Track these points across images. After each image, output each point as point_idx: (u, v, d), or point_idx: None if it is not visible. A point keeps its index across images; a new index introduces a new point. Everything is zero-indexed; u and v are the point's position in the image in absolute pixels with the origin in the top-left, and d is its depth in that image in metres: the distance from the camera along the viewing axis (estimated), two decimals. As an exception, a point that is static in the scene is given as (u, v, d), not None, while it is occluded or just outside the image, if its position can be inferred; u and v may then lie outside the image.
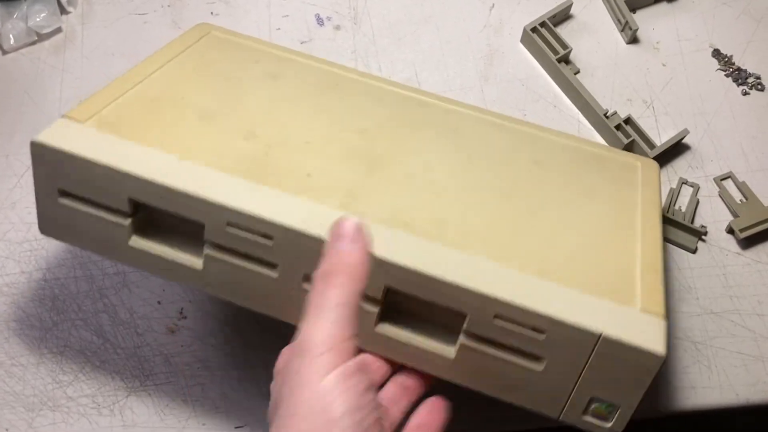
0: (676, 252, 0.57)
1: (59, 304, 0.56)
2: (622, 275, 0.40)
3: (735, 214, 0.57)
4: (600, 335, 0.36)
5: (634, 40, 0.64)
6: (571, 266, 0.40)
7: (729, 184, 0.59)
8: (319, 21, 0.65)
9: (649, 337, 0.36)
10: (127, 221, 0.42)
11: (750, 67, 0.63)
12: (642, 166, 0.50)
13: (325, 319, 0.33)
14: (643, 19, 0.65)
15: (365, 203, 0.41)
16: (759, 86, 0.62)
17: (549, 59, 0.62)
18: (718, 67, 0.63)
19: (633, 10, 0.65)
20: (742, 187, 0.58)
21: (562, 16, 0.65)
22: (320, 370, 0.32)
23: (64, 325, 0.55)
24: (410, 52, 0.65)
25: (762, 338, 0.54)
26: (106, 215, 0.42)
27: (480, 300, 0.37)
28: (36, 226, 0.58)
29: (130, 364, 0.54)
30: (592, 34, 0.65)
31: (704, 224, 0.58)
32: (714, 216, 0.58)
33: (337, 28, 0.66)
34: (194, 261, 0.42)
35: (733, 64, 0.63)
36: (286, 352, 0.37)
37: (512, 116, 0.53)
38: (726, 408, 0.52)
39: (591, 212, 0.44)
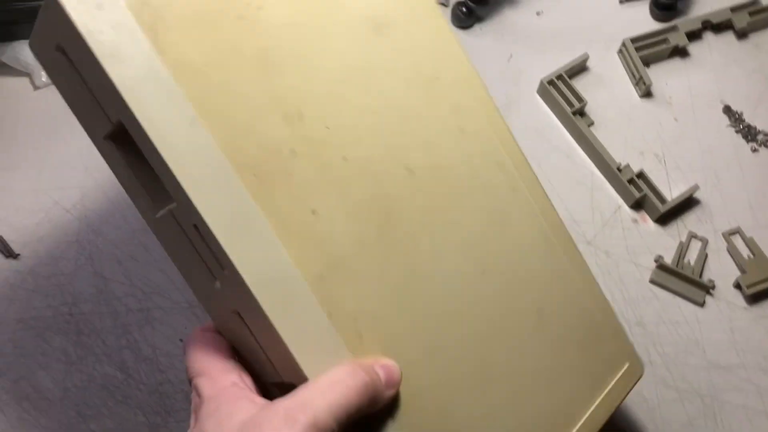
0: (685, 305, 0.60)
1: (84, 338, 0.58)
2: None
3: (742, 270, 0.60)
4: None
5: (647, 93, 0.67)
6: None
7: (737, 240, 0.61)
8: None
9: None
10: (108, 125, 0.35)
11: (760, 124, 0.66)
12: (625, 367, 0.46)
13: (331, 400, 0.31)
14: (656, 73, 0.68)
15: (337, 289, 0.35)
16: (768, 144, 0.65)
17: (564, 111, 0.64)
18: (729, 123, 0.66)
19: (647, 64, 0.68)
20: (749, 242, 0.61)
21: (579, 68, 0.67)
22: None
23: (89, 360, 0.58)
24: (430, 99, 0.68)
25: (767, 393, 0.56)
26: (91, 100, 0.35)
27: None
28: (63, 261, 0.61)
29: (152, 400, 0.56)
30: (607, 87, 0.68)
31: (712, 278, 0.60)
32: (722, 270, 0.61)
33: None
34: (152, 205, 0.37)
35: (744, 120, 0.66)
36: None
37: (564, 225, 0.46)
38: (730, 461, 0.54)
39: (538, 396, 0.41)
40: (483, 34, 0.71)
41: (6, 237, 0.61)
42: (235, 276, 0.33)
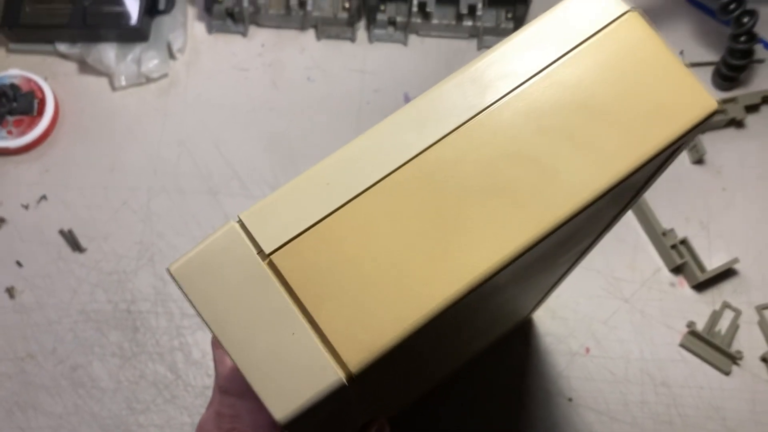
0: (711, 372, 0.64)
1: (139, 336, 0.64)
2: None
3: (771, 345, 0.64)
4: None
5: (699, 161, 0.71)
6: None
7: (769, 315, 0.66)
8: (407, 100, 0.73)
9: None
10: None
11: (806, 203, 0.70)
12: None
13: None
14: (710, 140, 0.72)
15: None
16: (811, 224, 0.69)
17: (617, 170, 0.68)
18: (776, 199, 0.70)
19: (702, 131, 0.72)
20: (781, 319, 0.65)
21: (635, 128, 0.71)
22: None
23: (142, 357, 0.64)
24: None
25: (779, 467, 0.61)
26: None
27: None
28: (126, 259, 0.66)
29: (198, 403, 0.62)
30: (660, 149, 0.72)
31: (740, 350, 0.64)
32: (751, 343, 0.65)
33: (422, 107, 0.73)
34: None
35: (790, 198, 0.69)
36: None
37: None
38: None
39: None
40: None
41: (75, 231, 0.67)
42: None
